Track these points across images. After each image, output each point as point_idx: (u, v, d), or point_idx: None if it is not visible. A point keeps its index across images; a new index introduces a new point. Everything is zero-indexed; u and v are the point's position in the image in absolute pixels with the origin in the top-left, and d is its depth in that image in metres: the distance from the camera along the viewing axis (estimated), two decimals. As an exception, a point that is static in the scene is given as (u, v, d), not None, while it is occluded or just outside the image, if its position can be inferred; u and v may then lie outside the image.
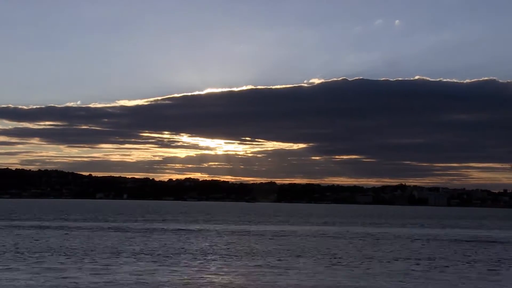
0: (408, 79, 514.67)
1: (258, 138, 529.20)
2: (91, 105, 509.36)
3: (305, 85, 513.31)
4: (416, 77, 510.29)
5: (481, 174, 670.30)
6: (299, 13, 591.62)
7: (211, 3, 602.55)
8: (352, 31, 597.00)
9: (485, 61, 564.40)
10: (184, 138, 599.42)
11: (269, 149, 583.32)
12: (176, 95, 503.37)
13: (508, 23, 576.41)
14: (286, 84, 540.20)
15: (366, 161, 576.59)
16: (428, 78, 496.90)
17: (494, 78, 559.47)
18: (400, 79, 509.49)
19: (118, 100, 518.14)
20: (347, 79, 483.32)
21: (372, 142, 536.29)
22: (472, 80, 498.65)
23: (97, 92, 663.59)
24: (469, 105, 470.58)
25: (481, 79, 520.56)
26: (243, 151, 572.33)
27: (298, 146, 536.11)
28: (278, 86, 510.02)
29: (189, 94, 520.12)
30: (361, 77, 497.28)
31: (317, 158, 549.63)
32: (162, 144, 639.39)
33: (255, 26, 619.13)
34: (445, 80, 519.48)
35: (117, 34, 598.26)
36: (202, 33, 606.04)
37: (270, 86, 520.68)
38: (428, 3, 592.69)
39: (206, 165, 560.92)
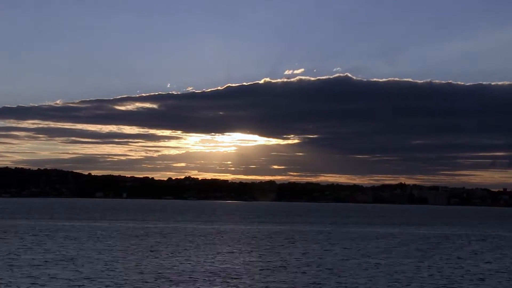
0: (407, 80, 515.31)
1: (256, 136, 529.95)
2: (91, 104, 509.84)
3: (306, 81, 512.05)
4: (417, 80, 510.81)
5: (481, 173, 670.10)
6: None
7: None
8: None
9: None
10: (184, 136, 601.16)
11: (267, 146, 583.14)
12: (174, 92, 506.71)
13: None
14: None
15: (366, 160, 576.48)
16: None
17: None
18: (398, 79, 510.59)
19: (118, 99, 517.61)
20: (349, 77, 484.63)
21: (372, 141, 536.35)
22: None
23: (97, 91, 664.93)
24: (471, 105, 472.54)
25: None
26: (242, 148, 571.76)
27: (295, 142, 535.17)
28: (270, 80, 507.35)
29: (188, 92, 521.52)
30: (360, 77, 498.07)
31: (316, 155, 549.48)
32: (162, 143, 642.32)
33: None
34: (449, 82, 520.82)
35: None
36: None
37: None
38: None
39: (203, 163, 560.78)
